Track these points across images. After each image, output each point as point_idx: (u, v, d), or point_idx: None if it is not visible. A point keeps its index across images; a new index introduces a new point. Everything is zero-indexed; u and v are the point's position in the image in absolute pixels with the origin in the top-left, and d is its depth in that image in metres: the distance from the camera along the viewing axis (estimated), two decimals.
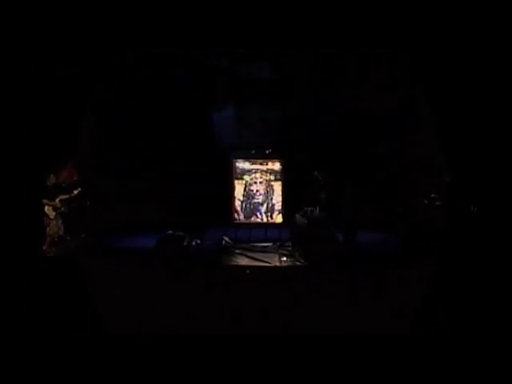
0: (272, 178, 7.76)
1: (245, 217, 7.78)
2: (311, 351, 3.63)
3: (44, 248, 6.16)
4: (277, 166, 7.79)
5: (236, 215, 7.79)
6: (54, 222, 6.49)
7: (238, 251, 6.74)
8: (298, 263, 6.17)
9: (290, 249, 6.85)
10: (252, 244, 7.16)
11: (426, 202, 6.83)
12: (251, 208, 7.78)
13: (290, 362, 3.52)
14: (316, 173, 7.17)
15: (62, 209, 6.57)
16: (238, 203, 7.78)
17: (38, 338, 3.58)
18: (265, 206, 7.76)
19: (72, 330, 3.71)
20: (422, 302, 4.24)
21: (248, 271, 5.63)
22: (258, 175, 7.73)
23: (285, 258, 6.37)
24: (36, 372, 3.30)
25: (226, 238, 7.16)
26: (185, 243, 6.71)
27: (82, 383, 3.33)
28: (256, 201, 7.74)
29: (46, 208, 6.36)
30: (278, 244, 7.16)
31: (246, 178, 7.75)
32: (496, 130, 5.30)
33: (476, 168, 5.53)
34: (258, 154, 7.80)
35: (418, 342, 3.63)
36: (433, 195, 6.74)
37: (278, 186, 7.77)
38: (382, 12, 5.26)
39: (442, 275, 4.70)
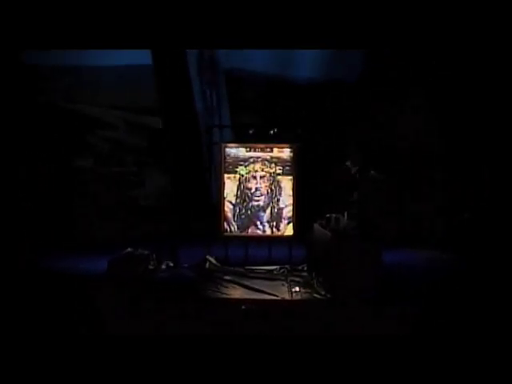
0: (279, 170, 7.33)
1: (239, 227, 7.37)
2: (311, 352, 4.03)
3: None
4: (286, 152, 7.36)
5: (226, 225, 7.35)
6: None
7: (228, 278, 6.44)
8: (317, 296, 5.77)
9: (305, 275, 6.60)
10: (249, 267, 6.88)
11: None
12: (248, 214, 7.36)
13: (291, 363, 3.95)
14: (349, 163, 6.91)
15: None
16: (229, 207, 7.36)
17: None
18: (268, 211, 7.38)
19: None
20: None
21: (243, 307, 5.27)
22: (257, 166, 7.34)
23: (297, 289, 6.02)
24: None
25: (212, 259, 6.97)
26: (150, 266, 6.58)
27: None
28: (255, 204, 7.36)
29: None
30: (287, 268, 6.88)
31: (241, 170, 7.34)
32: None
33: None
34: (257, 135, 7.57)
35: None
36: None
37: (287, 183, 7.35)
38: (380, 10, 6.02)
39: None
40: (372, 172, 6.72)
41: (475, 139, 7.93)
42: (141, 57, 8.88)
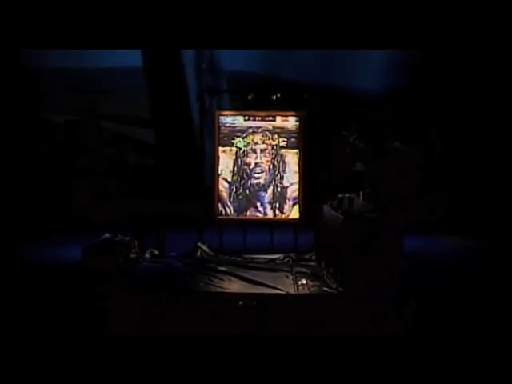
0: (282, 142, 7.15)
1: (235, 210, 7.23)
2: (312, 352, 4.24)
3: None
4: (291, 122, 7.18)
5: (221, 207, 7.22)
6: None
7: (223, 268, 6.35)
8: (326, 290, 5.64)
9: (313, 265, 6.57)
10: (248, 256, 6.84)
11: None
12: (247, 194, 7.21)
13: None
14: (345, 132, 7.02)
15: None
16: (224, 186, 7.23)
17: None
18: (270, 190, 7.23)
19: None
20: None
21: (241, 303, 5.19)
22: (258, 138, 7.16)
23: (304, 281, 5.90)
24: None
25: (204, 246, 6.95)
26: (132, 254, 6.60)
27: None
28: (255, 182, 7.21)
29: None
30: (292, 257, 6.83)
31: (239, 142, 7.17)
32: None
33: None
34: (257, 101, 7.60)
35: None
36: None
37: (292, 157, 7.18)
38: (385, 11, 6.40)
39: None
40: (397, 143, 6.44)
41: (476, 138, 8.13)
42: (129, 58, 8.75)
